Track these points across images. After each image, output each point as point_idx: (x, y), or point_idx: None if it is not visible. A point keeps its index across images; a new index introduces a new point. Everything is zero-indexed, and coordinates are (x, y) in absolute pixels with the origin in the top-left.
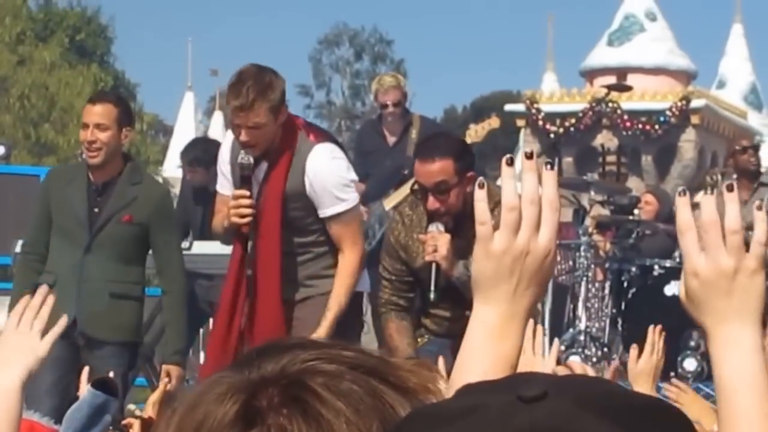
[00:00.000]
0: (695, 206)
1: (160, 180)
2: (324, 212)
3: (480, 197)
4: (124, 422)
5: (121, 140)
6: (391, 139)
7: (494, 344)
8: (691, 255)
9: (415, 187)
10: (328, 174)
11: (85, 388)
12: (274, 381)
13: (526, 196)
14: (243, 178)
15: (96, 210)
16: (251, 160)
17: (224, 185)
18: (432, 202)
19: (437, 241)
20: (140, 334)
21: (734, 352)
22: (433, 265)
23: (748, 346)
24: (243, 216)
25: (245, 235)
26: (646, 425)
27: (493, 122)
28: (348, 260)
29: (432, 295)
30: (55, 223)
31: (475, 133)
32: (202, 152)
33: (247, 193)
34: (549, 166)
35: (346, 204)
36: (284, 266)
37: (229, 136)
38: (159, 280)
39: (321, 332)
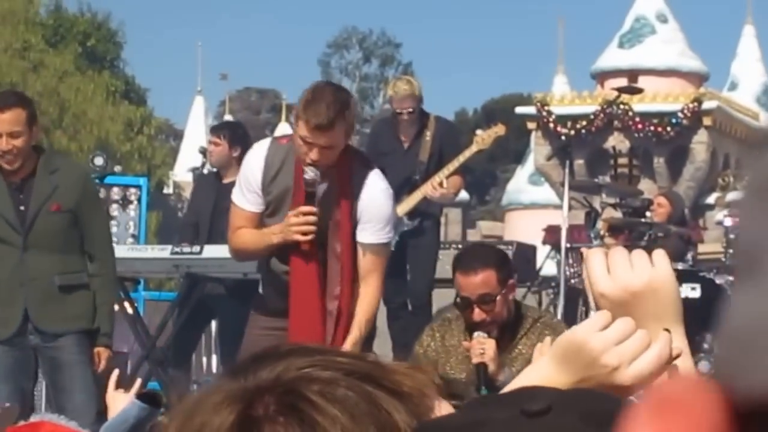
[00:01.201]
0: (708, 208)
1: (171, 184)
2: (365, 238)
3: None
4: None
5: (32, 139)
6: (406, 142)
7: None
8: (598, 279)
9: (458, 300)
10: (384, 205)
11: (112, 387)
12: (270, 389)
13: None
14: (308, 194)
15: (22, 208)
16: (318, 176)
17: (250, 201)
18: (478, 314)
19: (484, 344)
20: (94, 321)
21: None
22: (480, 368)
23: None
24: (306, 233)
25: (306, 252)
26: None
27: (499, 129)
28: (374, 291)
29: None
30: None
31: (482, 140)
32: (233, 130)
33: (315, 209)
34: None
35: (387, 238)
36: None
37: (260, 149)
38: (89, 263)
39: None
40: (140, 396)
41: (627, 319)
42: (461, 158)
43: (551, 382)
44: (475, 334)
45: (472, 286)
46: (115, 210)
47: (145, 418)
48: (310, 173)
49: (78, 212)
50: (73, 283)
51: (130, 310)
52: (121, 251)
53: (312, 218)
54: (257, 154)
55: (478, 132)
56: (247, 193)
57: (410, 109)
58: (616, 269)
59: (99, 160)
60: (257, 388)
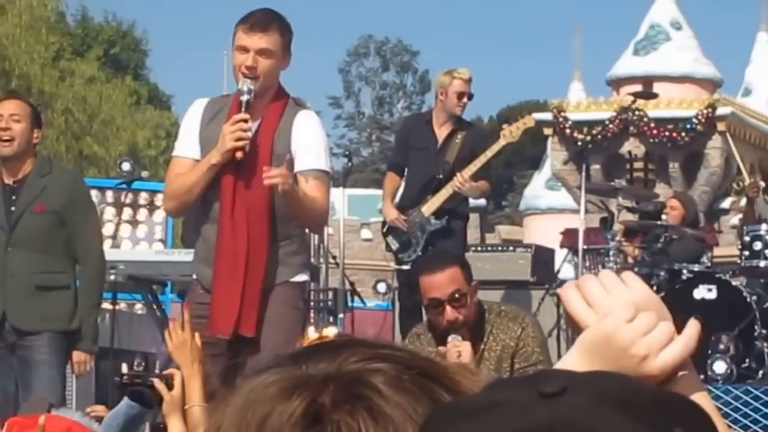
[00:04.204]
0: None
1: None
2: (300, 164)
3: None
4: (166, 372)
5: (33, 139)
6: (441, 140)
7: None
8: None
9: (426, 303)
10: (317, 131)
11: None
12: (335, 378)
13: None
14: (241, 104)
15: (12, 208)
16: (253, 87)
17: (189, 147)
18: (451, 313)
19: (460, 347)
20: (74, 322)
21: None
22: None
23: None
24: (240, 139)
25: (232, 174)
26: (666, 420)
27: (528, 121)
28: (317, 197)
29: None
30: None
31: (510, 133)
32: None
33: (248, 116)
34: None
35: (326, 165)
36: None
37: (201, 101)
38: (77, 266)
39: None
40: (131, 394)
41: (650, 312)
42: (489, 153)
43: None
44: (450, 337)
45: (441, 284)
46: (142, 214)
47: (136, 416)
48: (244, 84)
49: (65, 215)
50: (51, 283)
51: (157, 313)
52: (148, 255)
53: (245, 125)
54: (197, 105)
55: (505, 126)
56: (185, 140)
57: (470, 94)
58: (593, 299)
59: (126, 166)
60: (323, 377)
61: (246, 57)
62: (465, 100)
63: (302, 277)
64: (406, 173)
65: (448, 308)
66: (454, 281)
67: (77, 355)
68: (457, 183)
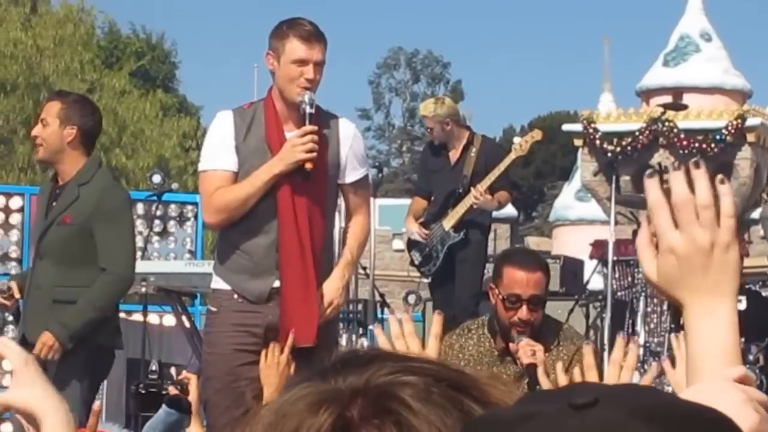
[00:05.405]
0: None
1: None
2: (353, 175)
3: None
4: (180, 377)
5: (65, 138)
6: (454, 157)
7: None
8: (665, 232)
9: (503, 294)
10: (361, 142)
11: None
12: (364, 392)
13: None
14: (307, 115)
15: (47, 216)
16: (314, 99)
17: (225, 160)
18: (526, 313)
19: (535, 347)
20: (97, 336)
21: (709, 322)
22: (531, 370)
23: (723, 318)
24: (311, 151)
25: (291, 185)
26: None
27: (536, 134)
28: (365, 223)
29: None
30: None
31: (519, 147)
32: None
33: (316, 128)
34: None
35: (366, 171)
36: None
37: (226, 115)
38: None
39: (336, 278)
40: (169, 401)
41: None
42: (501, 166)
43: None
44: (518, 337)
45: (527, 283)
46: (172, 226)
47: (174, 422)
48: (306, 95)
49: (91, 227)
50: (69, 298)
51: (187, 324)
52: (178, 266)
53: (314, 137)
54: (225, 118)
55: (516, 140)
56: (221, 152)
57: (429, 128)
58: (684, 223)
59: (157, 178)
60: (351, 391)
61: (307, 69)
62: (449, 127)
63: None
64: (432, 196)
65: (525, 308)
66: (539, 285)
67: (43, 335)
68: (472, 198)
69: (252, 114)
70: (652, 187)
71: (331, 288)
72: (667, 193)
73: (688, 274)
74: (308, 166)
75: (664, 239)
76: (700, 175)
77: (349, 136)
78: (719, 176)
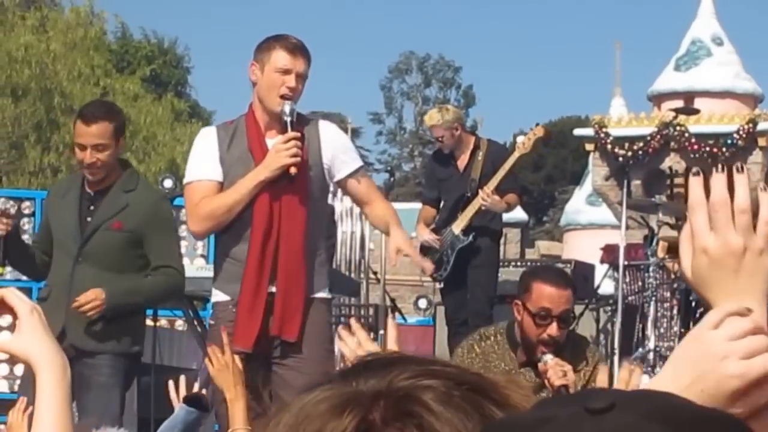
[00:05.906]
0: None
1: None
2: (346, 168)
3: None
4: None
5: (117, 152)
6: (462, 163)
7: None
8: (701, 233)
9: (534, 309)
10: (343, 138)
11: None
12: (386, 395)
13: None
14: (288, 123)
15: (88, 219)
16: (294, 107)
17: (211, 170)
18: (557, 330)
19: (564, 367)
20: (136, 344)
21: None
22: (562, 392)
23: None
24: (296, 155)
25: (270, 193)
26: None
27: (538, 131)
28: (385, 201)
29: None
30: (53, 236)
31: (523, 146)
32: None
33: (299, 134)
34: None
35: (360, 161)
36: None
37: (209, 129)
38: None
39: (400, 233)
40: (187, 400)
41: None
42: (506, 166)
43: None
44: (548, 356)
45: (559, 299)
46: (183, 231)
47: (193, 421)
48: (287, 105)
49: (143, 235)
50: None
51: (198, 329)
52: (190, 271)
53: (297, 142)
54: (208, 132)
55: (519, 138)
56: (205, 164)
57: (439, 137)
58: (719, 225)
59: (168, 183)
60: (374, 394)
61: (289, 78)
62: (458, 132)
63: (329, 294)
64: (442, 203)
65: (556, 324)
66: (569, 302)
67: (96, 290)
68: (480, 198)
69: (234, 127)
70: (694, 185)
71: (402, 240)
72: (708, 193)
73: (718, 276)
74: (293, 170)
75: (699, 239)
76: (741, 180)
77: (329, 136)
78: (761, 184)
